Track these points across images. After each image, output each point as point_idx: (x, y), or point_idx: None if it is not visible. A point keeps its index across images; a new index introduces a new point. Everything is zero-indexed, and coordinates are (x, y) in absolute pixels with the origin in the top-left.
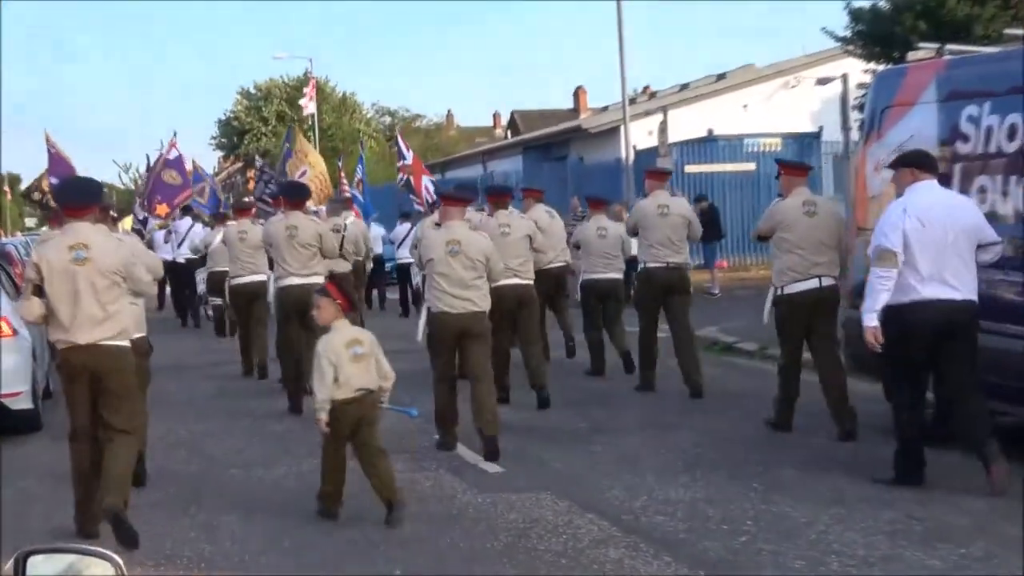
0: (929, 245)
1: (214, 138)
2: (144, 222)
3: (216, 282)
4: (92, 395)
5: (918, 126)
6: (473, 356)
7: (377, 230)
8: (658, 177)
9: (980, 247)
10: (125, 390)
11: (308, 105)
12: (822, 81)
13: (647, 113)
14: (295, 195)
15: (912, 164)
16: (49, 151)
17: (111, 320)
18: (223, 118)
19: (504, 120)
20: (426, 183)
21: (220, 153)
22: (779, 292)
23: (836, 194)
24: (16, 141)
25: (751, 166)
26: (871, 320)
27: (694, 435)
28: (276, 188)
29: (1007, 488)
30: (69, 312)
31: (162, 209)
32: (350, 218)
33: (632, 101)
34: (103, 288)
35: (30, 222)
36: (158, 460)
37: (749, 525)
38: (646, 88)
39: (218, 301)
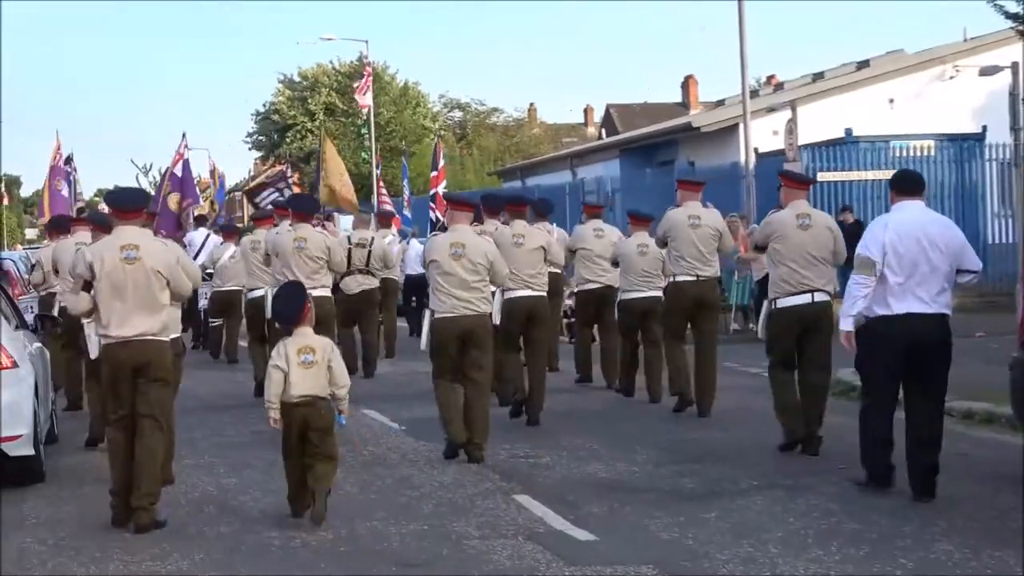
0: (905, 261)
1: (250, 135)
2: (200, 219)
3: (220, 302)
4: (133, 388)
5: None
6: (471, 358)
7: (417, 248)
8: (691, 187)
9: (959, 271)
10: (163, 382)
11: (362, 97)
12: (987, 71)
13: (772, 109)
14: (303, 208)
15: (895, 186)
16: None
17: (155, 317)
18: (261, 111)
19: (598, 116)
20: (440, 191)
21: (257, 154)
22: (773, 306)
23: (1002, 208)
24: (19, 139)
25: None
26: (847, 324)
27: (828, 499)
28: (283, 198)
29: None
30: (118, 307)
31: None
32: (384, 233)
33: (754, 94)
34: (149, 286)
35: (31, 233)
36: (182, 519)
37: None
38: (771, 78)
39: (218, 322)
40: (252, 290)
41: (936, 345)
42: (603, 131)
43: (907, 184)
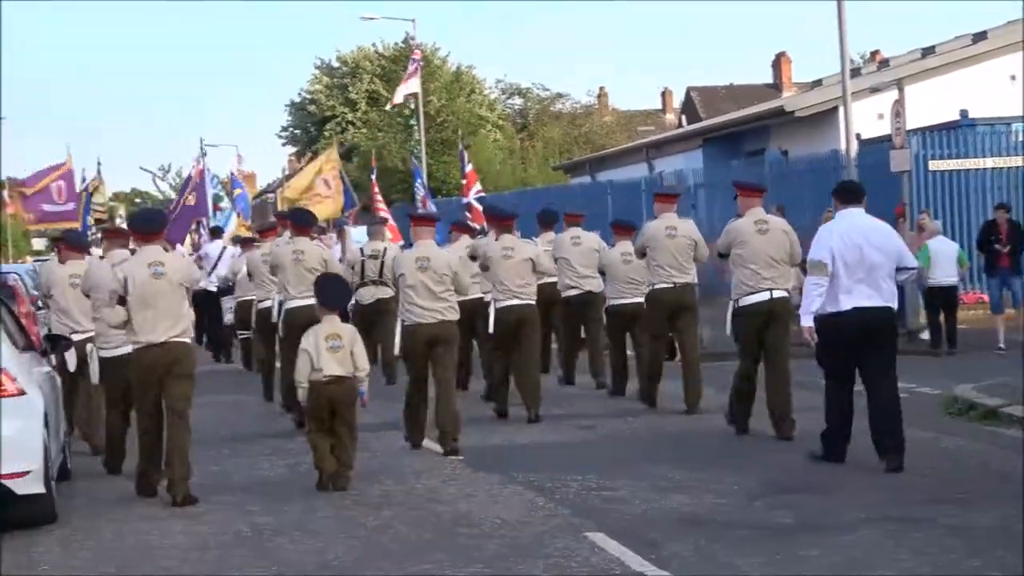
0: (850, 262)
1: (285, 128)
2: (216, 231)
3: (246, 311)
4: (160, 385)
5: None
6: (440, 362)
7: None
8: (666, 199)
9: (898, 269)
10: (187, 377)
11: (409, 82)
12: None
13: (876, 89)
14: (301, 221)
15: (837, 195)
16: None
17: (180, 321)
18: (296, 101)
19: (677, 100)
20: (471, 199)
21: (292, 149)
22: (736, 305)
23: None
24: (28, 142)
25: (1021, 160)
26: (807, 320)
27: (946, 532)
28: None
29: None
30: (150, 316)
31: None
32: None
33: (855, 73)
34: (175, 296)
35: (38, 244)
36: (211, 564)
37: None
38: (875, 54)
39: (247, 334)
40: (262, 301)
41: (883, 331)
42: (683, 118)
43: (849, 194)
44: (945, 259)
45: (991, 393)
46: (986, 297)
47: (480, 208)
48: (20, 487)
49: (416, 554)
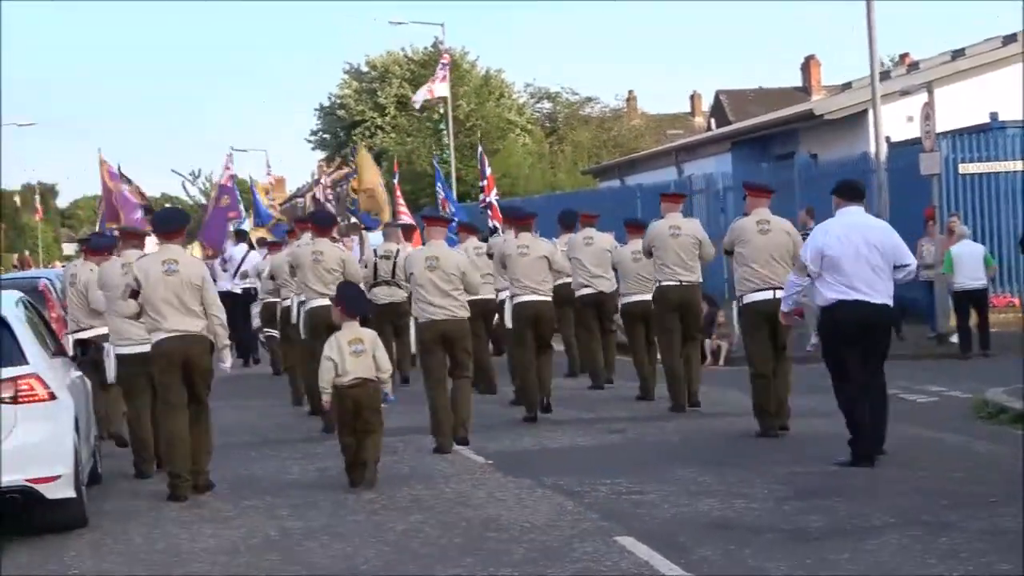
0: (847, 259)
1: (314, 133)
2: (241, 234)
3: (270, 312)
4: (182, 377)
5: None
6: (454, 357)
7: None
8: (672, 199)
9: (896, 267)
10: (207, 370)
11: (437, 87)
12: None
13: (905, 92)
14: (321, 222)
15: (838, 193)
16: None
17: (193, 316)
18: (326, 105)
19: (706, 104)
20: (491, 199)
21: (322, 154)
22: (741, 302)
23: None
24: (56, 143)
25: None
26: (785, 307)
27: (975, 537)
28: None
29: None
30: (164, 310)
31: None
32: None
33: (885, 76)
34: (189, 293)
35: (68, 249)
36: (241, 567)
37: None
38: (904, 56)
39: (273, 333)
40: (285, 299)
41: (880, 328)
42: (712, 121)
43: (850, 192)
44: (972, 262)
45: (1022, 396)
46: (1017, 300)
47: (498, 207)
48: (51, 491)
49: (445, 558)
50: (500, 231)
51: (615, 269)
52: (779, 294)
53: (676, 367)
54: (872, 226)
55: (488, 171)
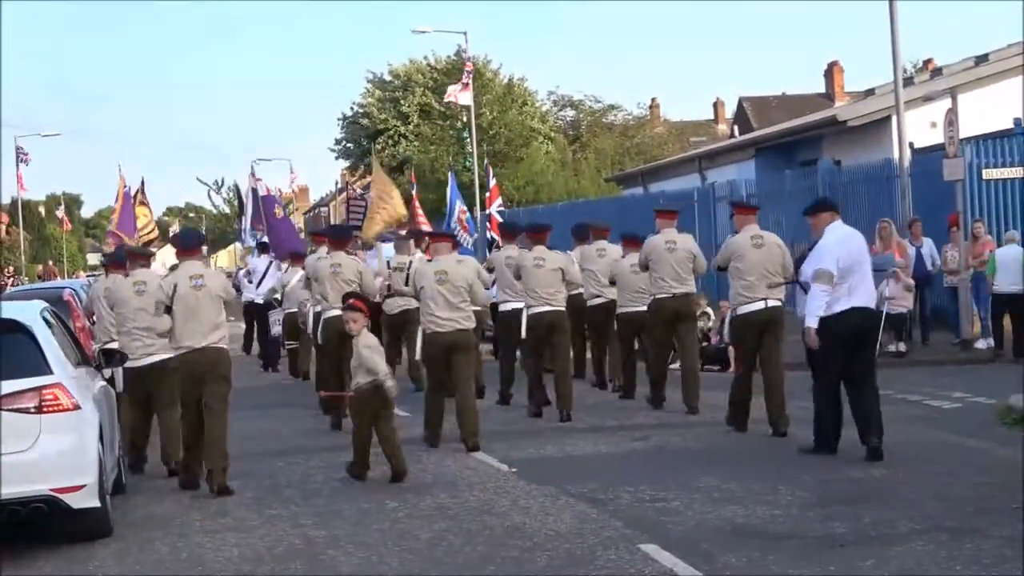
0: (851, 268)
1: (338, 142)
2: (264, 246)
3: (293, 325)
4: (200, 388)
5: None
6: (458, 368)
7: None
8: (666, 216)
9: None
10: (224, 379)
11: (460, 95)
12: None
13: (929, 98)
14: (338, 235)
15: (831, 208)
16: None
17: (218, 329)
18: (349, 114)
19: (730, 111)
20: (493, 211)
21: (345, 163)
22: (734, 313)
23: None
24: (80, 152)
25: None
26: (812, 322)
27: (1000, 543)
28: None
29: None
30: (191, 324)
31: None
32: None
33: (908, 82)
34: (213, 306)
35: (93, 259)
36: None
37: None
38: (928, 63)
39: (294, 345)
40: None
41: (873, 331)
42: (735, 128)
43: (834, 207)
44: (1012, 265)
45: None
46: None
47: (499, 220)
48: (76, 501)
49: (469, 567)
50: (498, 244)
51: (613, 283)
52: (771, 304)
53: (660, 375)
54: (857, 235)
55: (492, 182)
